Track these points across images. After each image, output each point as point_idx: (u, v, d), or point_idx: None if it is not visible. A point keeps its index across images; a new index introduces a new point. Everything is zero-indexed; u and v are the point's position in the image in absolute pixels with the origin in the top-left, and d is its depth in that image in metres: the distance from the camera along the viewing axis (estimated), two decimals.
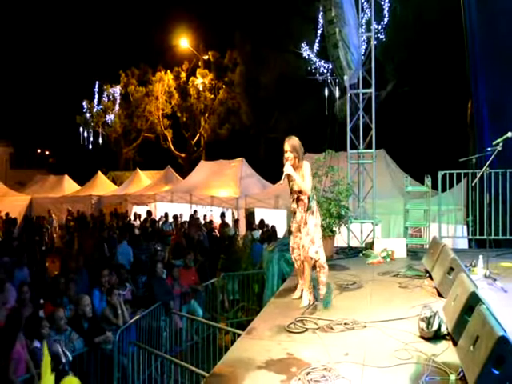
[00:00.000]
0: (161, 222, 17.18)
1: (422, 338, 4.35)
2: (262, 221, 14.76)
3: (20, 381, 5.63)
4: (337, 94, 17.78)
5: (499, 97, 9.60)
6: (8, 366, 5.53)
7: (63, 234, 17.97)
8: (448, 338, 4.28)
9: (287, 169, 5.25)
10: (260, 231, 13.85)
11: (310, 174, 5.34)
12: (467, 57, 10.21)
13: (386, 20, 18.57)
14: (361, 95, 10.52)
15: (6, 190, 24.28)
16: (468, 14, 10.07)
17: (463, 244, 10.26)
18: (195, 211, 18.01)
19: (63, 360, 6.11)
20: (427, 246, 8.62)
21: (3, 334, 5.80)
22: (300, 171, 5.27)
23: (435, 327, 4.29)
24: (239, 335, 5.31)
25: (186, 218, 17.30)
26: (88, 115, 33.29)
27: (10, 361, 5.56)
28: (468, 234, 9.46)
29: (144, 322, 8.00)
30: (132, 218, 19.41)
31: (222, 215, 16.29)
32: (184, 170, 28.62)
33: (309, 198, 5.35)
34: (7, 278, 8.73)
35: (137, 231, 14.87)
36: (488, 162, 6.39)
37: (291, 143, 5.26)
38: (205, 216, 17.86)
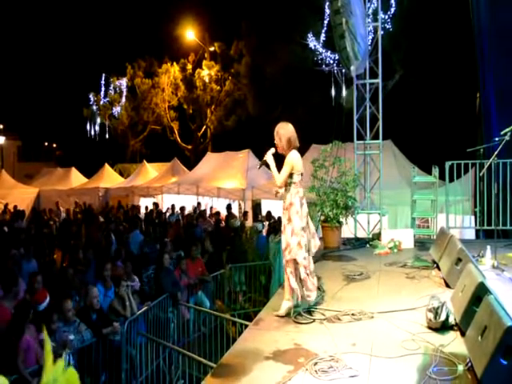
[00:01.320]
0: (168, 214, 17.21)
1: (430, 328, 4.34)
2: (268, 212, 14.77)
3: (29, 372, 5.70)
4: (343, 84, 17.72)
5: (507, 87, 9.52)
6: (17, 356, 5.60)
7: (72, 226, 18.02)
8: (456, 328, 4.27)
9: (266, 155, 5.14)
10: (266, 223, 13.82)
11: (288, 164, 4.95)
12: (475, 47, 10.13)
13: (392, 10, 18.46)
14: (367, 85, 10.48)
15: (14, 183, 24.43)
16: (476, 4, 9.97)
17: (471, 234, 10.21)
18: (199, 203, 18.04)
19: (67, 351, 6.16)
20: (434, 237, 8.59)
21: (12, 324, 5.87)
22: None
23: (443, 318, 4.28)
24: (246, 326, 5.32)
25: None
26: (95, 108, 33.29)
27: (19, 350, 5.63)
28: (476, 225, 9.42)
29: (152, 313, 8.04)
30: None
31: (228, 207, 16.30)
32: (191, 162, 28.62)
33: (289, 191, 4.99)
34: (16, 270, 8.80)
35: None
36: (496, 152, 6.35)
37: (275, 129, 5.12)
38: (211, 208, 17.88)
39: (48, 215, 18.72)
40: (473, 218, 9.93)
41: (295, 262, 4.91)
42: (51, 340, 6.20)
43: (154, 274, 9.75)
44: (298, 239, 4.88)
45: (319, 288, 5.40)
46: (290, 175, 4.98)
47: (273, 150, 5.14)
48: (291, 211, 4.95)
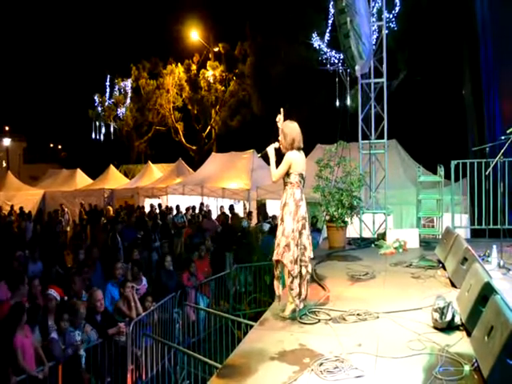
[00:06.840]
0: (173, 214, 17.18)
1: (436, 328, 4.32)
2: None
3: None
4: (348, 84, 17.68)
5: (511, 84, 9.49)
6: (16, 354, 5.66)
7: (76, 226, 18.08)
8: (462, 328, 4.25)
9: (269, 147, 5.11)
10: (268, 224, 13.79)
11: (286, 162, 4.86)
12: (479, 45, 10.07)
13: (397, 9, 18.43)
14: (372, 85, 10.45)
15: (19, 184, 24.53)
16: (480, 3, 9.93)
17: (475, 234, 10.13)
18: (202, 203, 18.02)
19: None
20: (440, 236, 8.56)
21: (4, 324, 5.93)
22: None
23: (449, 318, 4.26)
24: (251, 327, 5.31)
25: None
26: (100, 109, 33.40)
27: (16, 349, 5.69)
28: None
29: (157, 314, 8.03)
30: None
31: (231, 207, 16.29)
32: (195, 163, 28.68)
33: (286, 191, 4.94)
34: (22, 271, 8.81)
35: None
36: (502, 151, 6.32)
37: (281, 126, 5.09)
38: (222, 207, 17.81)
39: (53, 216, 18.74)
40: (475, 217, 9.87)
41: (283, 263, 4.85)
42: (60, 341, 6.24)
43: (156, 276, 9.72)
44: (287, 241, 4.80)
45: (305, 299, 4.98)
46: (288, 175, 4.91)
47: (277, 144, 5.09)
48: (285, 211, 4.89)
